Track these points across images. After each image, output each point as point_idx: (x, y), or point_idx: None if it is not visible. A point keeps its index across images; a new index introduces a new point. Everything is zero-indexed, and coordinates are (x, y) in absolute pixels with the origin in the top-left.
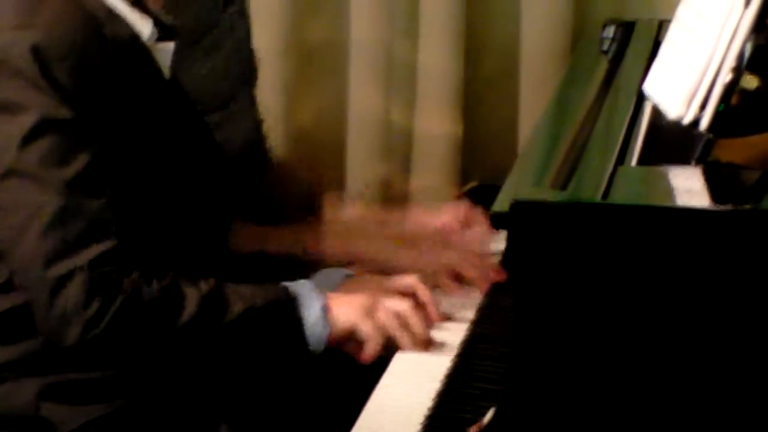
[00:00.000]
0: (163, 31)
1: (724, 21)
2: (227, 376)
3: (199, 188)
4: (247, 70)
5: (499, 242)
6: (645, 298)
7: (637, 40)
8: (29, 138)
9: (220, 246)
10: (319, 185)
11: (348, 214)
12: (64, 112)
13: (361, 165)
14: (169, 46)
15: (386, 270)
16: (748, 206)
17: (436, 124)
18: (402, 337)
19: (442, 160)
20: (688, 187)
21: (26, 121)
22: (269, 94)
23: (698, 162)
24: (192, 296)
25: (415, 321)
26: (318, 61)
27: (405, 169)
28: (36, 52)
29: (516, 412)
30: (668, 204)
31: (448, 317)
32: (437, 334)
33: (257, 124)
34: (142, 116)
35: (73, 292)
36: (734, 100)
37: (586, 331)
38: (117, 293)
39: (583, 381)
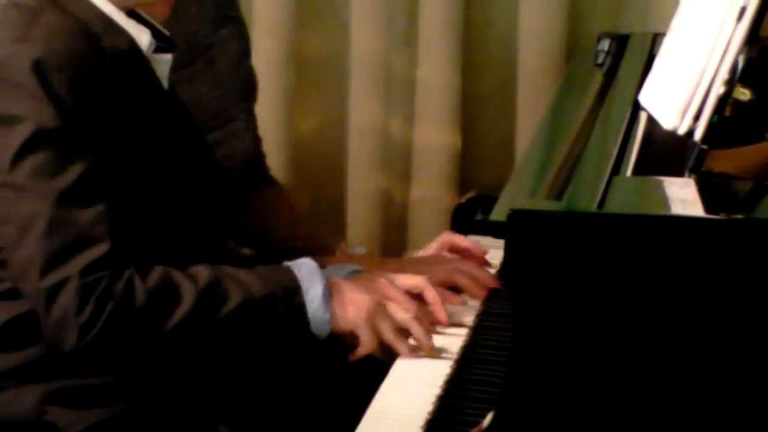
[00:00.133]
0: (161, 42)
1: (717, 34)
2: (229, 369)
3: (197, 197)
4: (246, 88)
5: (496, 251)
6: (640, 305)
7: (631, 52)
8: (24, 149)
9: (217, 251)
10: (309, 217)
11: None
12: (59, 123)
13: (361, 176)
14: (167, 57)
15: None
16: (740, 215)
17: (434, 135)
18: (401, 347)
19: (440, 170)
20: (682, 197)
21: (22, 132)
22: (272, 106)
23: (692, 172)
24: (188, 291)
25: (417, 330)
26: (319, 74)
27: (404, 180)
28: (35, 65)
29: (514, 416)
30: (662, 213)
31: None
32: (437, 340)
33: (257, 140)
34: (141, 126)
35: (67, 299)
36: (727, 111)
37: (583, 337)
38: (108, 299)
39: (579, 385)
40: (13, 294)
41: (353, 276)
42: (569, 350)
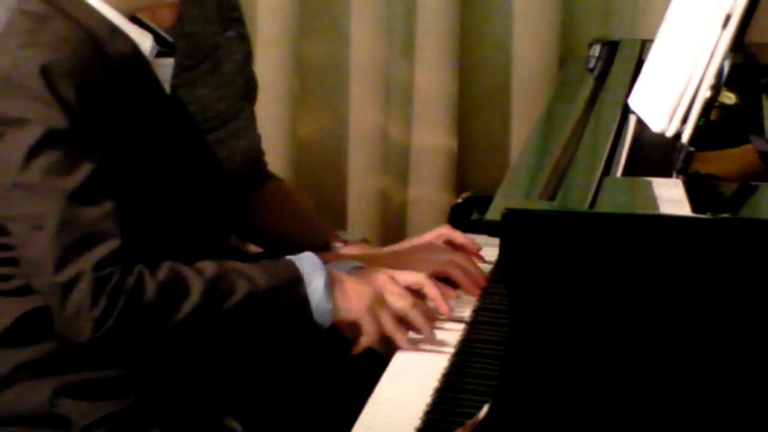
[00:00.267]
0: (163, 47)
1: (703, 41)
2: (235, 361)
3: (198, 197)
4: (247, 88)
5: (492, 249)
6: (630, 300)
7: (621, 58)
8: (35, 150)
9: (219, 248)
10: (312, 213)
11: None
12: (67, 125)
13: (362, 177)
14: (169, 61)
15: None
16: (726, 215)
17: (432, 138)
18: (401, 339)
19: (438, 172)
20: (670, 197)
21: (32, 134)
22: (274, 111)
23: (680, 173)
24: (196, 285)
25: (416, 318)
26: (321, 80)
27: (403, 181)
28: (44, 69)
29: (509, 408)
30: (651, 213)
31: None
32: (435, 334)
33: (257, 139)
34: (144, 128)
35: (81, 294)
36: (713, 115)
37: (576, 330)
38: (120, 292)
39: (570, 378)
40: (25, 290)
41: (354, 271)
42: (562, 344)
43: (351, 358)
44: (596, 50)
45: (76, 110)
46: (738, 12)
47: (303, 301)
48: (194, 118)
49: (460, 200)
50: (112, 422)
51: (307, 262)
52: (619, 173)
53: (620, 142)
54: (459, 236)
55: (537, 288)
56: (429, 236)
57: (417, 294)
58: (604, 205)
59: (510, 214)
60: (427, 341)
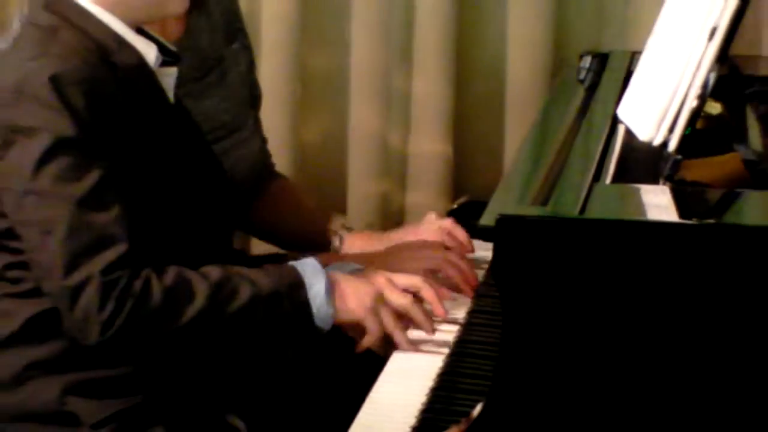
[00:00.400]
0: (167, 57)
1: (690, 53)
2: (238, 362)
3: (202, 204)
4: (252, 97)
5: (484, 251)
6: (618, 302)
7: (611, 69)
8: (45, 158)
9: (223, 253)
10: (315, 210)
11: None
12: (76, 132)
13: (361, 182)
14: (172, 70)
15: None
16: (711, 221)
17: (429, 144)
18: (400, 336)
19: (435, 177)
20: (658, 203)
21: (42, 142)
22: (277, 117)
23: (667, 180)
24: (201, 289)
25: (417, 313)
26: (322, 87)
27: (401, 186)
28: (53, 79)
29: (502, 407)
30: (639, 218)
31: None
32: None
33: (262, 143)
34: (149, 136)
35: (90, 297)
36: (699, 124)
37: (566, 333)
38: (128, 296)
39: (561, 378)
40: (36, 293)
41: (354, 273)
42: (553, 346)
43: (350, 359)
44: (587, 62)
45: (85, 118)
46: (723, 25)
47: (305, 305)
48: (202, 129)
49: (455, 206)
50: (119, 420)
51: (308, 268)
52: (608, 180)
53: (610, 150)
54: (460, 233)
55: (529, 290)
56: (432, 229)
57: (413, 297)
58: (594, 211)
59: (503, 219)
60: (427, 333)
